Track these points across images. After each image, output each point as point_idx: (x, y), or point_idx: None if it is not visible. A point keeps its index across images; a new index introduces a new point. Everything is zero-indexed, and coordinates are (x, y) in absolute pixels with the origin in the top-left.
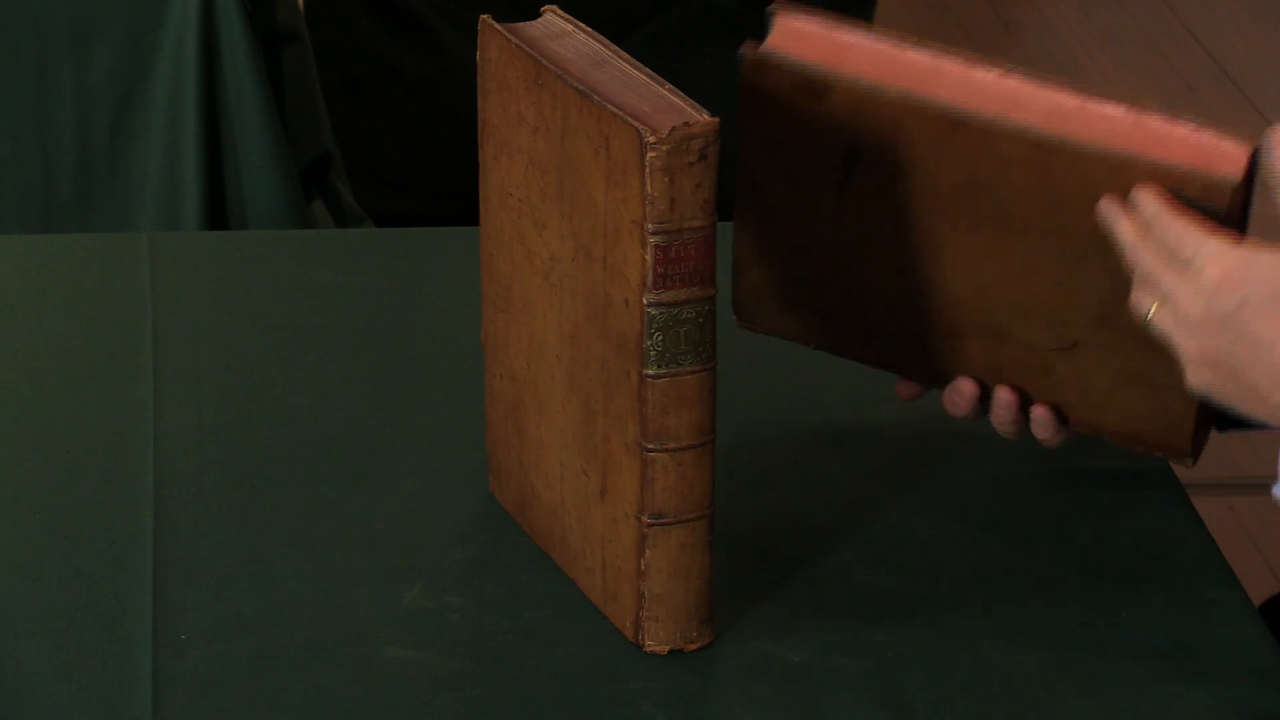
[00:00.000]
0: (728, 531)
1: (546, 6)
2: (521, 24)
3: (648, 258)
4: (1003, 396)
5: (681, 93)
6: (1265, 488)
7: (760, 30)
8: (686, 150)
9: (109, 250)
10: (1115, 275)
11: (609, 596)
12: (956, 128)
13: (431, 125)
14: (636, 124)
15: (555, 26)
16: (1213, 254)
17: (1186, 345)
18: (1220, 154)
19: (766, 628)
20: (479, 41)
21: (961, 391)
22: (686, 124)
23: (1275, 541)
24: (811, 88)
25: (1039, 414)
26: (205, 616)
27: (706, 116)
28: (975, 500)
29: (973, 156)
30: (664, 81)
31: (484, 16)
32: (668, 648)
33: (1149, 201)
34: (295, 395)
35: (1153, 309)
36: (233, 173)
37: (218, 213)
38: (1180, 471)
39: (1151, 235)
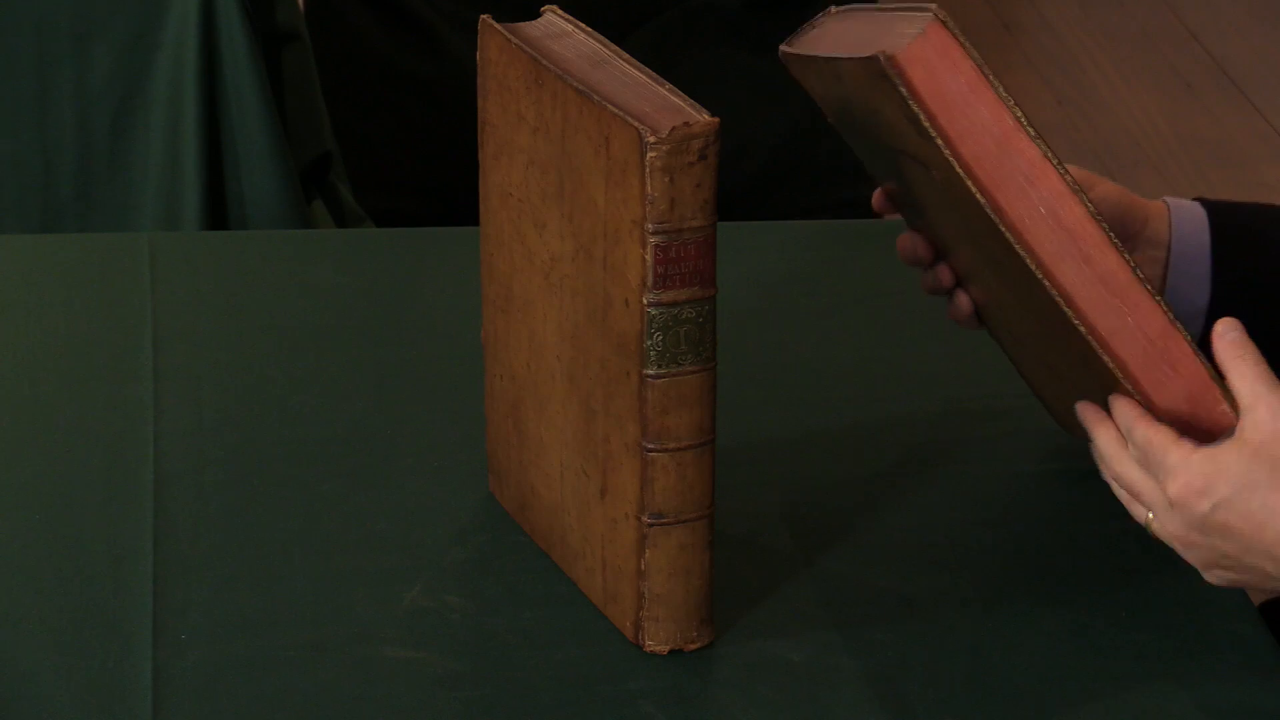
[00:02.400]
0: (728, 531)
1: (546, 6)
2: (522, 24)
3: (648, 257)
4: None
5: (681, 93)
6: None
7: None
8: (686, 150)
9: (109, 250)
10: None
11: (609, 596)
12: (1009, 251)
13: (431, 125)
14: (636, 124)
15: (555, 26)
16: (1172, 469)
17: (1186, 555)
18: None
19: (766, 628)
20: (479, 41)
21: (960, 306)
22: (686, 124)
23: None
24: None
25: None
26: (205, 616)
27: (706, 116)
28: (975, 500)
29: (1009, 280)
30: (664, 81)
31: (484, 16)
32: (668, 648)
33: (1123, 410)
34: (295, 395)
35: (1148, 521)
36: (233, 173)
37: (218, 213)
38: None
39: (1129, 444)
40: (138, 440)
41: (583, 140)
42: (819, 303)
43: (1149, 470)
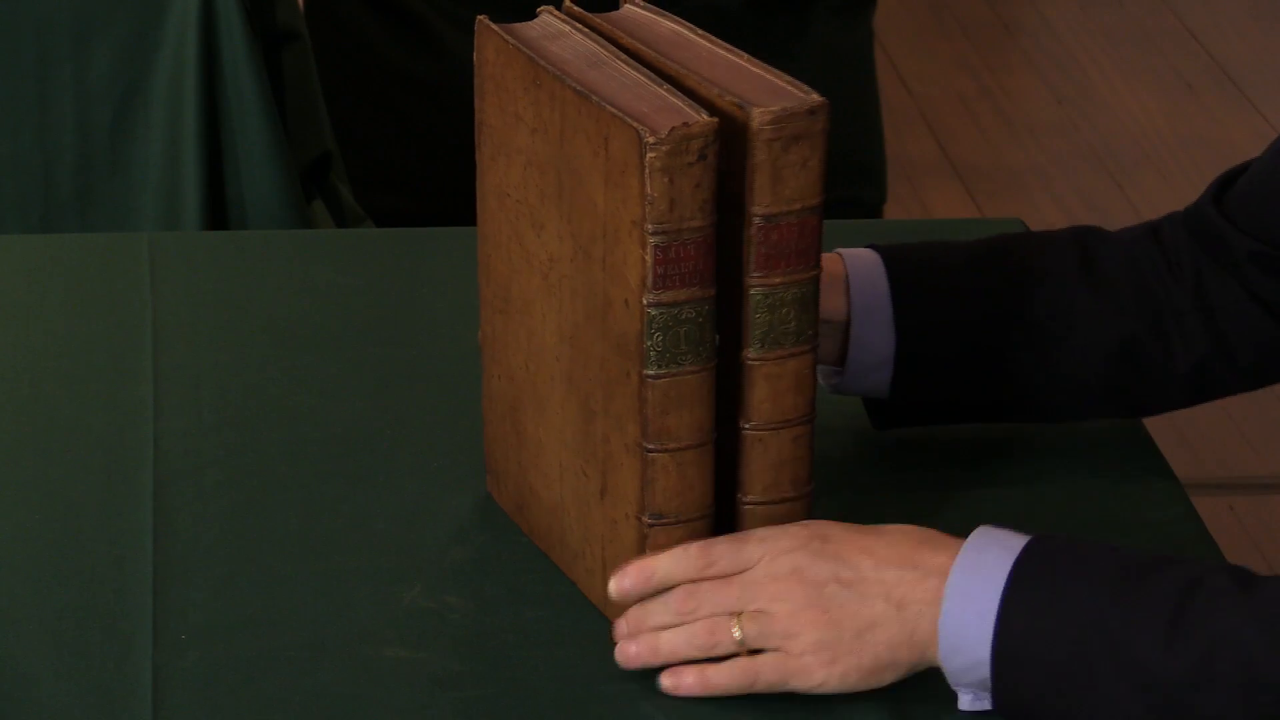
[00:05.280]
0: (728, 531)
1: (543, 7)
2: (519, 24)
3: (647, 258)
4: None
5: (679, 93)
6: (1265, 488)
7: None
8: (686, 150)
9: (109, 250)
10: None
11: (609, 597)
12: None
13: (431, 125)
14: (636, 124)
15: (552, 27)
16: (771, 530)
17: (794, 608)
18: None
19: None
20: (475, 42)
21: None
22: (685, 124)
23: (1275, 541)
24: None
25: None
26: (205, 616)
27: (705, 116)
28: (975, 500)
29: None
30: (663, 82)
31: (480, 17)
32: None
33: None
34: (295, 395)
35: (740, 627)
36: (233, 173)
37: (218, 213)
38: (1180, 471)
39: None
40: (138, 440)
41: (581, 141)
42: None
43: (744, 553)
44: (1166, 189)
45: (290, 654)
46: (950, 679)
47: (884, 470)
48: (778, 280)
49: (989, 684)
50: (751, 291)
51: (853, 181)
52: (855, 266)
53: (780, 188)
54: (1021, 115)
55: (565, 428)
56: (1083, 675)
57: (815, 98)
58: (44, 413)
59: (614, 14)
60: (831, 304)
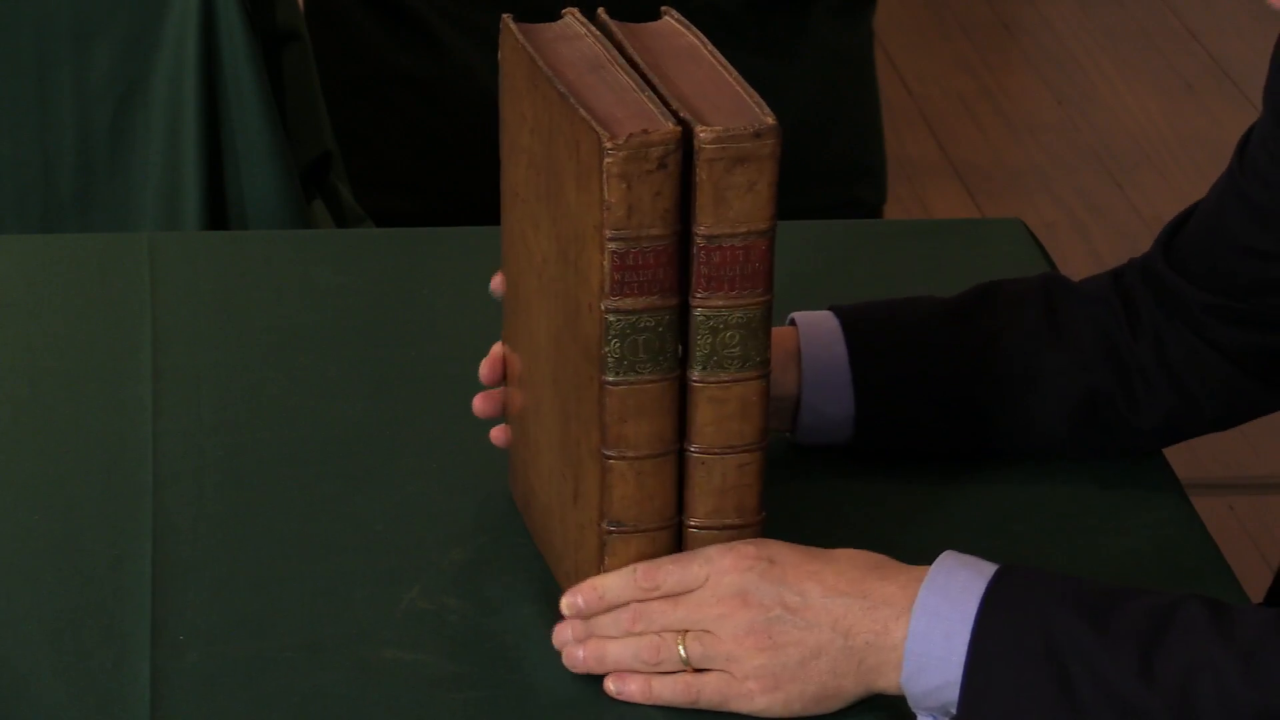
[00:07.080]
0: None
1: (567, 9)
2: (537, 25)
3: (605, 264)
4: None
5: (668, 100)
6: (1265, 488)
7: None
8: (644, 157)
9: (109, 250)
10: None
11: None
12: None
13: (431, 125)
14: (599, 129)
15: (570, 29)
16: (716, 551)
17: (737, 635)
18: None
19: None
20: (500, 40)
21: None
22: (645, 131)
23: (1275, 541)
24: None
25: None
26: (205, 616)
27: (670, 125)
28: (975, 501)
29: None
30: (659, 88)
31: (505, 16)
32: None
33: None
34: (295, 395)
35: (683, 646)
36: (233, 173)
37: (218, 213)
38: (1180, 471)
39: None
40: (137, 440)
41: (562, 143)
42: (819, 303)
43: (689, 574)
44: (1166, 189)
45: (289, 654)
46: (912, 703)
47: (878, 469)
48: (719, 303)
49: (953, 708)
50: (694, 312)
51: (853, 181)
52: (809, 334)
53: (723, 209)
54: (1021, 115)
55: (553, 429)
56: (1060, 697)
57: (767, 120)
58: (44, 413)
59: (642, 25)
60: (784, 380)
